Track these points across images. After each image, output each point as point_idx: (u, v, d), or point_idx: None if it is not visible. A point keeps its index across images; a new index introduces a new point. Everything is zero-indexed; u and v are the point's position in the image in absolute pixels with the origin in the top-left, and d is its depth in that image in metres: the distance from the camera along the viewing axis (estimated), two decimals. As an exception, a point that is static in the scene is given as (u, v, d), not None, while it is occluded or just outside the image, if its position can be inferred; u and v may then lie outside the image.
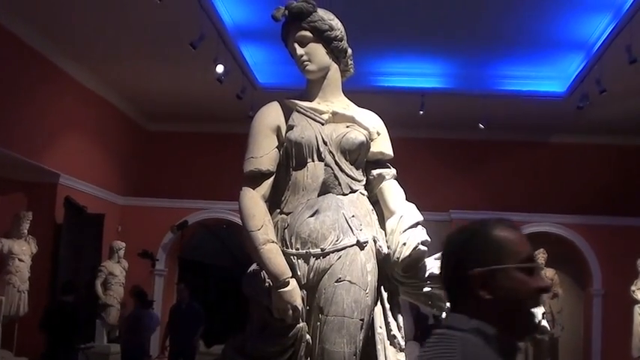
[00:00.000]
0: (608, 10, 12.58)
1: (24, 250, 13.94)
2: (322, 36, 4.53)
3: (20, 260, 13.81)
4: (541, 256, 17.56)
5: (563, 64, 15.25)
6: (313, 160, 4.42)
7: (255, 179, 4.37)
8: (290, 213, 4.39)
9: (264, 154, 4.38)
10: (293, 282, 4.18)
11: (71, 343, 11.72)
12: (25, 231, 14.06)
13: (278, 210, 4.45)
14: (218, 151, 18.81)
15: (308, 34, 4.52)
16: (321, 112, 4.51)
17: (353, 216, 4.38)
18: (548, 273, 17.61)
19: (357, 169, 4.55)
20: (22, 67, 13.73)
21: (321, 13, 4.55)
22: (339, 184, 4.42)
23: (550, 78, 15.94)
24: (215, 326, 16.44)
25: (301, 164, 4.44)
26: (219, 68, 13.90)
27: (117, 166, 18.43)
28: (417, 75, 15.95)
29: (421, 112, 16.25)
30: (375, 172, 4.67)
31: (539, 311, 4.51)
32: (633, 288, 16.16)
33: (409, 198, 4.62)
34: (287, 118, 4.48)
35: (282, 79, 14.26)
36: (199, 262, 21.04)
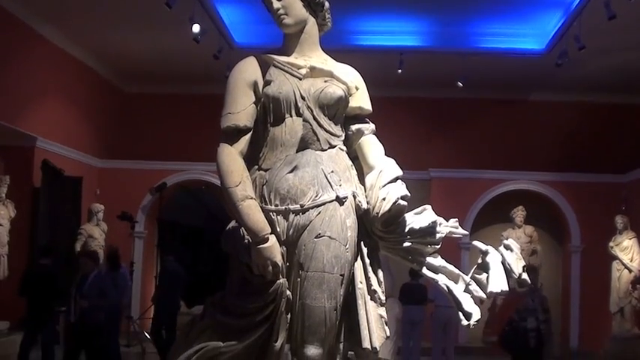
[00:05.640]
0: (587, -35, 12.55)
1: (2, 214, 13.90)
2: (299, -12, 4.47)
3: (-2, 224, 13.78)
4: (520, 213, 17.74)
5: (542, 21, 15.23)
6: (291, 116, 4.37)
7: (233, 135, 4.30)
8: (268, 169, 4.35)
9: (241, 109, 4.31)
10: (272, 238, 4.15)
11: (50, 305, 11.64)
12: (3, 195, 14.02)
13: (256, 166, 4.40)
14: (196, 112, 18.75)
15: (284, -14, 4.45)
16: (299, 67, 4.45)
17: (332, 171, 4.34)
18: (527, 230, 17.75)
19: (336, 124, 4.49)
20: (-3, 31, 13.57)
21: (298, -35, 4.49)
22: (318, 139, 4.37)
23: (529, 35, 15.93)
24: (196, 287, 16.44)
25: (279, 120, 4.38)
26: (196, 28, 13.79)
27: (94, 129, 18.32)
28: (395, 33, 15.90)
29: (399, 71, 16.21)
30: (353, 127, 4.62)
31: (519, 264, 4.51)
32: (611, 244, 16.34)
33: (388, 157, 4.59)
34: (264, 73, 4.41)
35: (259, 39, 14.16)
36: (179, 224, 20.99)
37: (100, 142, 18.64)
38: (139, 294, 17.57)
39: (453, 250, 15.52)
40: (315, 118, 4.38)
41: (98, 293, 11.04)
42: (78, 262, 11.69)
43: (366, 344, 4.30)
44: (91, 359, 11.37)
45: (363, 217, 4.43)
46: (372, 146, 4.62)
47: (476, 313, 4.43)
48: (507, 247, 4.56)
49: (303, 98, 4.37)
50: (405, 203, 4.30)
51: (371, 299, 4.40)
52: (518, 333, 10.59)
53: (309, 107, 4.37)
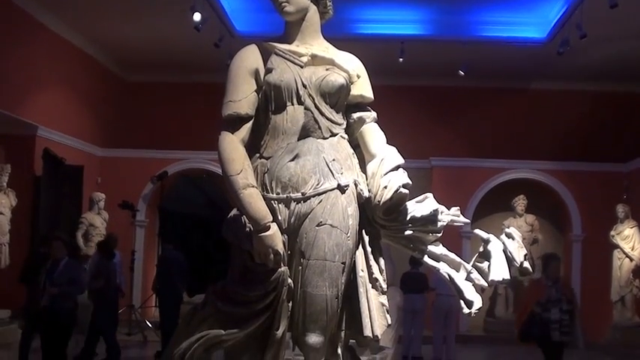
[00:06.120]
0: (589, -47, 12.50)
1: (3, 203, 13.88)
2: (300, -24, 4.45)
3: (0, 213, 13.74)
4: (521, 202, 17.72)
5: (544, 10, 15.19)
6: (293, 104, 4.36)
7: (234, 123, 4.29)
8: (270, 157, 4.34)
9: (242, 97, 4.30)
10: (274, 226, 4.14)
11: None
12: (4, 184, 13.99)
13: (257, 154, 4.38)
14: (197, 101, 18.72)
15: (285, -27, 4.43)
16: (300, 55, 4.44)
17: (334, 160, 4.34)
18: (529, 219, 17.74)
19: (337, 112, 4.48)
20: (-2, 20, 13.54)
21: (299, -48, 4.47)
22: (319, 127, 4.37)
23: (530, 24, 15.89)
24: (197, 275, 16.42)
25: (280, 108, 4.37)
26: (197, 16, 13.76)
27: (95, 117, 18.31)
28: (396, 22, 15.86)
29: (401, 60, 16.17)
30: (355, 115, 4.61)
31: (521, 253, 4.50)
32: (612, 233, 16.35)
33: (389, 145, 4.58)
34: (265, 60, 4.40)
35: (260, 27, 14.13)
36: (180, 212, 20.96)
37: (101, 130, 18.62)
38: (140, 283, 17.58)
39: (454, 238, 15.52)
40: (316, 106, 4.37)
41: (69, 280, 10.51)
42: (51, 245, 11.22)
43: (368, 332, 4.31)
44: (58, 347, 11.04)
45: (365, 205, 4.43)
46: (373, 134, 4.61)
47: (477, 302, 4.43)
48: (509, 236, 4.55)
49: (304, 86, 4.36)
50: (406, 191, 4.29)
51: (372, 287, 4.41)
52: (540, 325, 10.32)
53: (310, 95, 4.36)
